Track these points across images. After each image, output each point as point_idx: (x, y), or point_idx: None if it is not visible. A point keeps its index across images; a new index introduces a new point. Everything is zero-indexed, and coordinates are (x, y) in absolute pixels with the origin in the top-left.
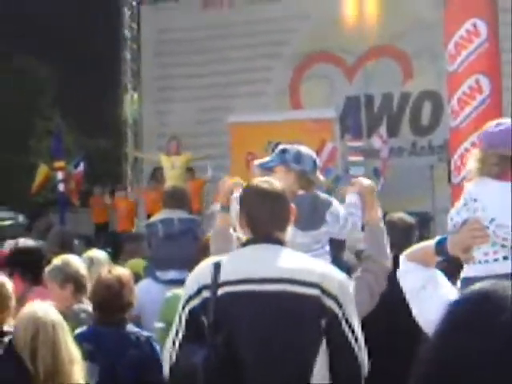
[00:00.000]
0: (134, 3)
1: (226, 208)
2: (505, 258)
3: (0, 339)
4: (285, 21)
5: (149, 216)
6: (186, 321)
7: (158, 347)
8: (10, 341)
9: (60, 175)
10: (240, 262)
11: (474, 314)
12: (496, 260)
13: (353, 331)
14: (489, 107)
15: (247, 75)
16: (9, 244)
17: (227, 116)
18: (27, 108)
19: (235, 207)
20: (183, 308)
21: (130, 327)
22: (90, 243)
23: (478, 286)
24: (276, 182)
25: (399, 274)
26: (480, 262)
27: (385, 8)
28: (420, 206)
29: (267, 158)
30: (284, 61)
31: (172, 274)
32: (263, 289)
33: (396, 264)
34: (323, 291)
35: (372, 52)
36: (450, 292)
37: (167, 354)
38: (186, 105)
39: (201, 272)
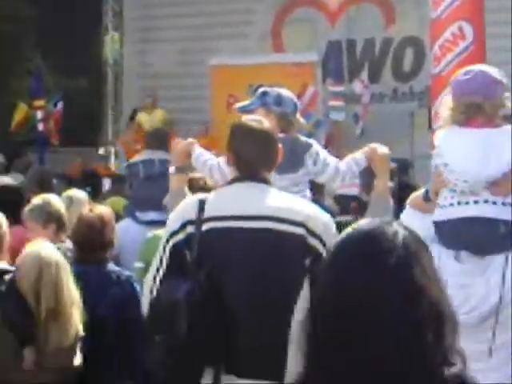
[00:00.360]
0: None
1: (180, 169)
2: (459, 202)
3: (1, 277)
4: None
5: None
6: (169, 255)
7: (137, 287)
8: (11, 279)
9: (39, 114)
10: (226, 199)
11: (354, 255)
12: (451, 204)
13: None
14: (472, 54)
15: (230, 17)
16: None
17: (209, 58)
18: (8, 48)
19: (201, 163)
20: (166, 243)
21: (111, 266)
22: (69, 182)
23: (357, 226)
24: (265, 121)
25: (401, 218)
26: (440, 207)
27: None
28: (400, 152)
29: (247, 102)
30: (266, 4)
31: (152, 215)
32: (249, 226)
33: None
34: (308, 230)
35: None
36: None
37: (147, 289)
38: (167, 46)
39: (185, 208)
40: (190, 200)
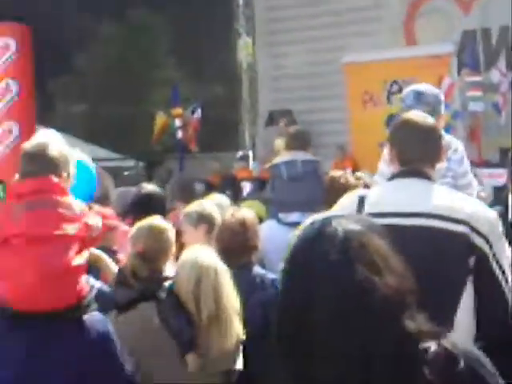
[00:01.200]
0: None
1: None
2: None
3: (162, 284)
4: None
5: None
6: None
7: None
8: (171, 285)
9: (178, 122)
10: (386, 196)
11: (293, 265)
12: None
13: (503, 272)
14: None
15: (359, 14)
16: (131, 191)
17: (340, 56)
18: (144, 60)
19: None
20: None
21: (256, 269)
22: (209, 188)
23: (298, 233)
24: (429, 117)
25: None
26: None
27: None
28: None
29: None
30: None
31: (295, 216)
32: (410, 223)
33: None
34: (472, 229)
35: None
36: None
37: None
38: (299, 47)
39: (345, 205)
40: (350, 197)
